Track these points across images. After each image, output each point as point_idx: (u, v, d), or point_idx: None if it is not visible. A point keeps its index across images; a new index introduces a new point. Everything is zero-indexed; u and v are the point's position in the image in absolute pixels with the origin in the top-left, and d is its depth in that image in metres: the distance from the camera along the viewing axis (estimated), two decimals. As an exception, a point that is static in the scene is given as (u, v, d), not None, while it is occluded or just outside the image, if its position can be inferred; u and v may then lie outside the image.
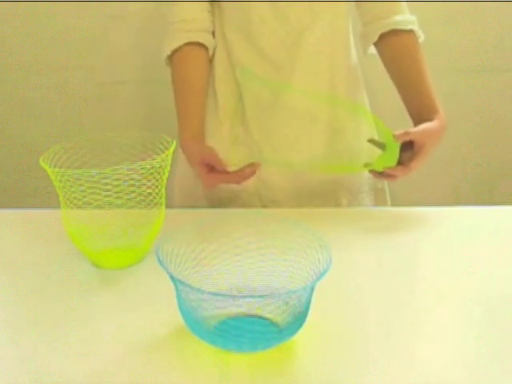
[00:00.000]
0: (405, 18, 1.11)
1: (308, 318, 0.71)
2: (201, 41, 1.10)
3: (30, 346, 0.72)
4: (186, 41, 1.09)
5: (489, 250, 0.94)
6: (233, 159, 1.08)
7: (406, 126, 1.06)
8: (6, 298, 0.83)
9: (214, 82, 1.15)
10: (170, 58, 1.11)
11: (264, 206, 1.16)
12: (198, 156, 1.04)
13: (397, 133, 1.01)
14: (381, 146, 1.05)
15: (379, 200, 1.22)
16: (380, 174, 1.05)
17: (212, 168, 1.03)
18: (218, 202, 1.17)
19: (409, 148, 1.03)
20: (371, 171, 1.06)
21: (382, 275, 0.87)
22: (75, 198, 0.87)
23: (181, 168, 1.19)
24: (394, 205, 1.23)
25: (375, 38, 1.11)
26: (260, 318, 0.74)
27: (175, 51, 1.10)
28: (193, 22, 1.10)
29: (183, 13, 1.10)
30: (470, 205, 1.19)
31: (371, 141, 1.08)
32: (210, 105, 1.15)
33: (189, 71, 1.10)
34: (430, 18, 1.57)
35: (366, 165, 1.06)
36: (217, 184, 1.05)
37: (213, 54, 1.14)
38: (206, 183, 1.05)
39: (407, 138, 1.02)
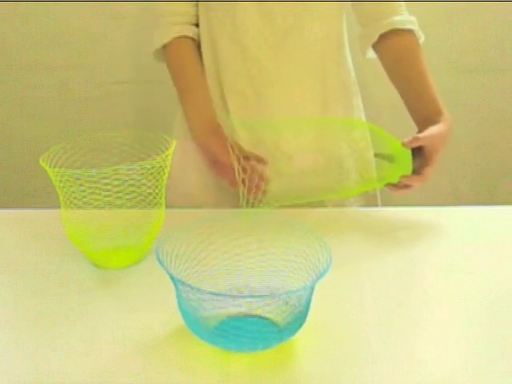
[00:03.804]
0: (404, 18, 1.10)
1: (308, 318, 0.71)
2: (189, 34, 1.13)
3: (30, 346, 0.72)
4: (176, 35, 1.12)
5: (489, 249, 0.94)
6: None
7: (402, 130, 1.05)
8: (6, 298, 0.83)
9: None
10: (162, 51, 1.15)
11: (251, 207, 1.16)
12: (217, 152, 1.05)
13: (405, 140, 0.99)
14: (389, 158, 1.02)
15: (370, 204, 1.20)
16: (396, 187, 1.02)
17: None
18: (206, 203, 1.17)
19: (418, 154, 1.00)
20: (387, 185, 1.03)
21: (381, 275, 0.87)
22: (75, 197, 0.87)
23: (173, 167, 1.19)
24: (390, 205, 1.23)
25: (375, 39, 1.10)
26: (260, 317, 0.74)
27: (166, 45, 1.13)
28: (179, 15, 1.13)
29: (170, 5, 1.13)
30: (470, 205, 1.18)
31: (378, 155, 1.05)
32: None
33: (185, 59, 1.14)
34: (430, 17, 1.58)
35: (380, 179, 1.03)
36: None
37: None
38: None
39: (417, 144, 0.99)
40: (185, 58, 1.13)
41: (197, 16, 1.15)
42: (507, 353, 0.71)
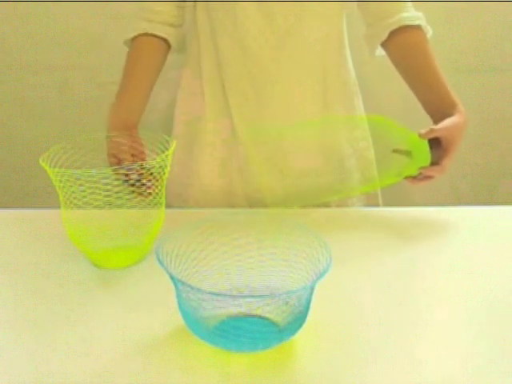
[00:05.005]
0: (412, 14, 1.10)
1: (308, 318, 0.71)
2: (158, 33, 1.12)
3: (30, 345, 0.72)
4: (141, 32, 1.12)
5: (489, 249, 0.94)
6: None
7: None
8: (5, 298, 0.83)
9: (202, 80, 1.15)
10: (130, 42, 1.15)
11: (251, 207, 1.16)
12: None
13: (422, 131, 0.99)
14: (407, 153, 1.03)
15: (371, 204, 1.20)
16: (416, 179, 1.02)
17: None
18: (206, 204, 1.16)
19: (435, 147, 1.01)
20: (406, 178, 1.03)
21: (382, 275, 0.87)
22: (75, 197, 0.87)
23: (170, 169, 1.20)
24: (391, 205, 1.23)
25: (384, 37, 1.09)
26: (260, 317, 0.74)
27: (133, 38, 1.13)
28: (154, 13, 1.12)
29: (152, 3, 1.13)
30: (470, 205, 1.18)
31: (396, 151, 1.05)
32: (197, 101, 1.16)
33: (140, 57, 1.13)
34: (430, 17, 1.57)
35: (399, 174, 1.03)
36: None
37: (199, 53, 1.15)
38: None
39: (433, 135, 0.99)
40: (140, 56, 1.13)
41: (179, 17, 1.15)
42: (507, 353, 0.71)
